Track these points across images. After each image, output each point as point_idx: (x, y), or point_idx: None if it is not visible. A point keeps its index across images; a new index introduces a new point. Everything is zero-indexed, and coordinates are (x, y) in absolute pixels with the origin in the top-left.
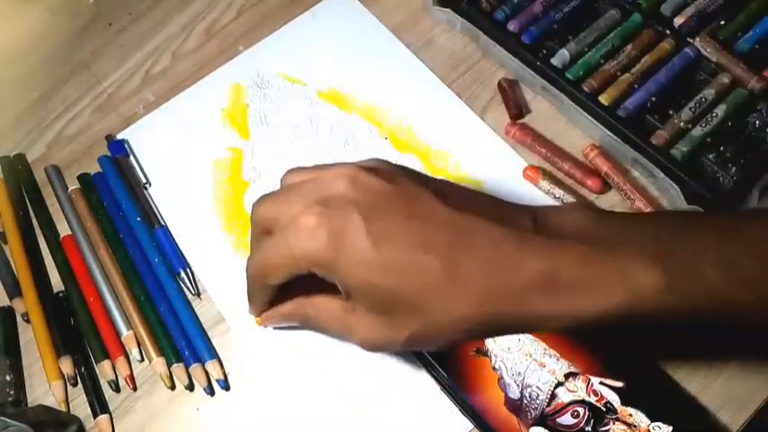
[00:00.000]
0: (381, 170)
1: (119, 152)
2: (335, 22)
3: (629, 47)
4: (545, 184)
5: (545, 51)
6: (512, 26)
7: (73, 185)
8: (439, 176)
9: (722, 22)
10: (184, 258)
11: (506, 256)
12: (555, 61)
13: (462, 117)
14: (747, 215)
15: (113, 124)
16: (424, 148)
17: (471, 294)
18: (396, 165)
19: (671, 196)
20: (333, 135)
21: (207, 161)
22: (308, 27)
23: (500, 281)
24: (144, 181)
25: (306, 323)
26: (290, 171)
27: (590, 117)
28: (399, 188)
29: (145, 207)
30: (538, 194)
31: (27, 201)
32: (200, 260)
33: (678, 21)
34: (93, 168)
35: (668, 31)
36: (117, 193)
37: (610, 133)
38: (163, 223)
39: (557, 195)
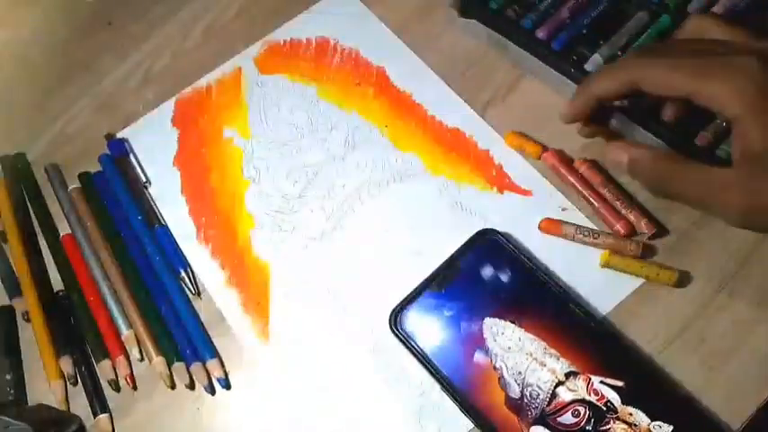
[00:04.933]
0: None
1: (118, 151)
2: (335, 20)
3: None
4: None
5: (575, 57)
6: (540, 33)
7: (73, 184)
8: None
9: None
10: (185, 258)
11: None
12: (588, 67)
13: (463, 115)
14: None
15: (113, 123)
16: (425, 147)
17: None
18: None
19: None
20: (333, 134)
21: (206, 160)
22: (308, 26)
23: None
24: (144, 180)
25: (660, 180)
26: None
27: (629, 120)
28: None
29: (145, 206)
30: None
31: (27, 200)
32: (200, 259)
33: None
34: (94, 167)
35: None
36: (117, 192)
37: (653, 137)
38: (163, 222)
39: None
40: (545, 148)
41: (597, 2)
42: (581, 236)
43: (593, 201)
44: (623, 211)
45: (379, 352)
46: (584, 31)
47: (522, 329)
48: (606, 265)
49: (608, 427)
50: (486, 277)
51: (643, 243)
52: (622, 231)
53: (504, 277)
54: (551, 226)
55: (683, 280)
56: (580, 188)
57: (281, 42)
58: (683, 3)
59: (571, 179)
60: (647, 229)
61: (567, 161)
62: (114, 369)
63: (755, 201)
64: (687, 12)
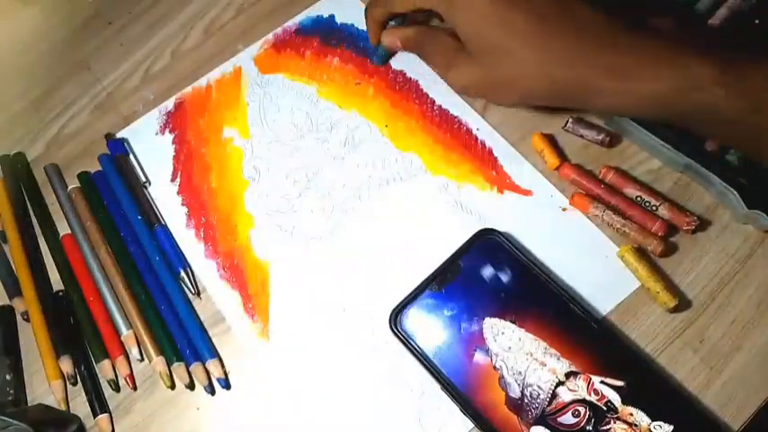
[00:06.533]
0: None
1: (118, 151)
2: (335, 20)
3: None
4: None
5: None
6: None
7: (73, 184)
8: None
9: (756, 21)
10: (184, 257)
11: (591, 37)
12: None
13: (463, 115)
14: None
15: (113, 123)
16: (425, 147)
17: (549, 56)
18: None
19: (730, 201)
20: (333, 133)
21: (206, 160)
22: (308, 25)
23: (577, 53)
24: (144, 180)
25: (419, 49)
26: None
27: (639, 126)
28: None
29: (145, 206)
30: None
31: (27, 200)
32: (200, 259)
33: (712, 23)
34: (93, 167)
35: None
36: (117, 191)
37: (661, 141)
38: (163, 222)
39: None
40: (563, 162)
41: None
42: (607, 218)
43: (623, 208)
44: (660, 211)
45: (379, 352)
46: None
47: (523, 329)
48: (622, 256)
49: (608, 427)
50: (487, 277)
51: (664, 242)
52: (661, 233)
53: (504, 277)
54: (582, 202)
55: (680, 307)
56: (608, 199)
57: (282, 41)
58: (690, 2)
59: (597, 191)
60: (692, 224)
61: (587, 173)
62: (114, 369)
63: (457, 76)
64: (694, 12)
